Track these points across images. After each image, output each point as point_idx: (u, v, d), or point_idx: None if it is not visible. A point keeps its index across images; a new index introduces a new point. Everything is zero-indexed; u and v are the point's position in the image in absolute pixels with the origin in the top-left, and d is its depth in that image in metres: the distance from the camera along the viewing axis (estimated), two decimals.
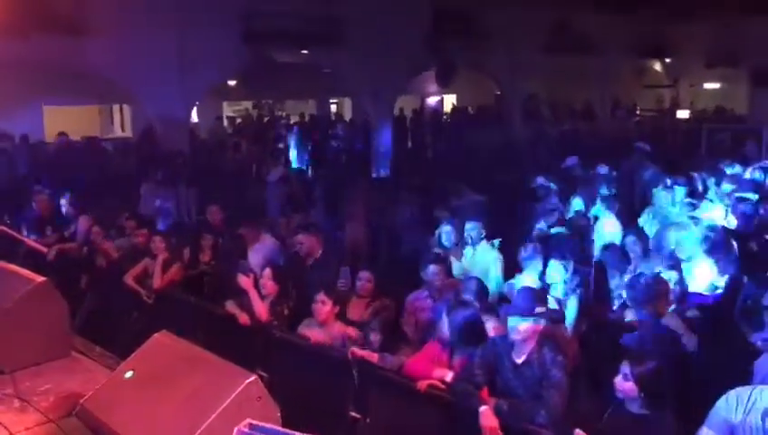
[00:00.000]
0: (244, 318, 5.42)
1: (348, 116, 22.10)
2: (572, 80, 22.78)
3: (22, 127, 14.14)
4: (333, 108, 23.60)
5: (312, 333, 5.05)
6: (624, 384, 3.33)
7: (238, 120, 21.07)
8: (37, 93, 15.37)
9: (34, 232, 8.03)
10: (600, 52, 21.48)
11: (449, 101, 24.63)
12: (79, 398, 4.02)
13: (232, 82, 18.16)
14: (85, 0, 11.74)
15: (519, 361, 3.84)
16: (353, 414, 4.51)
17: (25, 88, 14.66)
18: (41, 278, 4.69)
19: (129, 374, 3.36)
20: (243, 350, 4.69)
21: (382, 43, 15.84)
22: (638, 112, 24.12)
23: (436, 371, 4.20)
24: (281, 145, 16.67)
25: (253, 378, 3.02)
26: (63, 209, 8.21)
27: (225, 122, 20.13)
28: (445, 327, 4.36)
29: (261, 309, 5.35)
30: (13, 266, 5.14)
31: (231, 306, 5.60)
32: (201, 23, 13.30)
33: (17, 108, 15.03)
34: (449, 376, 4.14)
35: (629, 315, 5.05)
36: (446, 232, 6.64)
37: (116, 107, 19.70)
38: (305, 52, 15.21)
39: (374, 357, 4.50)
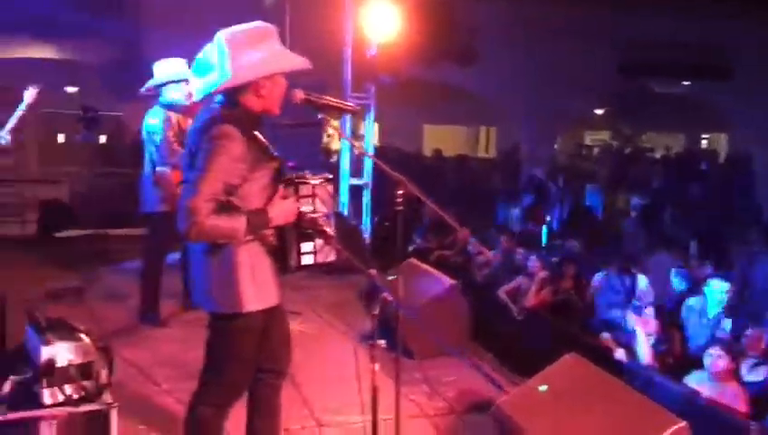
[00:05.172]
0: (620, 353, 5.29)
1: (723, 152, 20.16)
2: None
3: (406, 142, 16.11)
4: (704, 143, 21.77)
5: (703, 388, 4.68)
6: None
7: (595, 150, 20.74)
8: (421, 113, 17.42)
9: (421, 237, 9.01)
10: None
11: None
12: (478, 396, 4.39)
13: (599, 111, 18.02)
14: (477, 33, 12.80)
15: None
16: None
17: (413, 108, 16.73)
18: (451, 281, 5.23)
19: (543, 388, 3.53)
20: None
21: None
22: None
23: None
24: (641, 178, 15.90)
25: (682, 424, 2.89)
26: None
27: (583, 151, 20.01)
28: None
29: (646, 350, 5.14)
30: (429, 268, 5.81)
31: (608, 340, 5.51)
32: (578, 51, 13.48)
33: (404, 125, 17.23)
34: None
35: None
36: None
37: (482, 129, 21.19)
38: (686, 83, 14.32)
39: None
